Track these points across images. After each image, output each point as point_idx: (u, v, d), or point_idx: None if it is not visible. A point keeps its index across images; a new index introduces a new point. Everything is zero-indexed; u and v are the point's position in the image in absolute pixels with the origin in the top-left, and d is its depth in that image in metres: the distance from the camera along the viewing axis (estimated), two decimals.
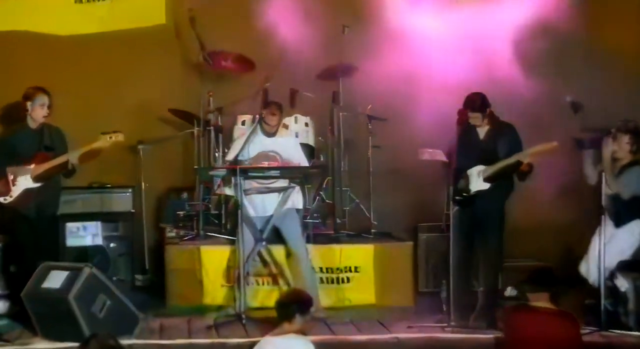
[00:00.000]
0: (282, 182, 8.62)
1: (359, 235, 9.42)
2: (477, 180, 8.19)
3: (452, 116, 8.29)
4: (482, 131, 8.31)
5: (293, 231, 8.68)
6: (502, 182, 8.18)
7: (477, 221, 8.22)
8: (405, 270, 9.10)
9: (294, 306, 6.63)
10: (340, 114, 9.61)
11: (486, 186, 8.14)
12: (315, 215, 9.43)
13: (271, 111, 8.55)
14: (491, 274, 8.30)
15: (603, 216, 8.05)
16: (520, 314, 6.92)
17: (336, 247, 9.07)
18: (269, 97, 9.07)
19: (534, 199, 9.16)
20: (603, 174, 8.04)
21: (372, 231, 9.47)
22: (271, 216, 8.60)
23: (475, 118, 8.20)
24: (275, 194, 8.65)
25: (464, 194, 8.19)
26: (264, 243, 8.67)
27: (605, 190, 8.04)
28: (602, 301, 7.99)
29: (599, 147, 8.01)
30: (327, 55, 9.61)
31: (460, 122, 8.24)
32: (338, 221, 9.53)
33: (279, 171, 8.46)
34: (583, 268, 8.29)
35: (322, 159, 9.56)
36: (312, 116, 9.51)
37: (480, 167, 8.20)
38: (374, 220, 9.52)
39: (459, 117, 8.22)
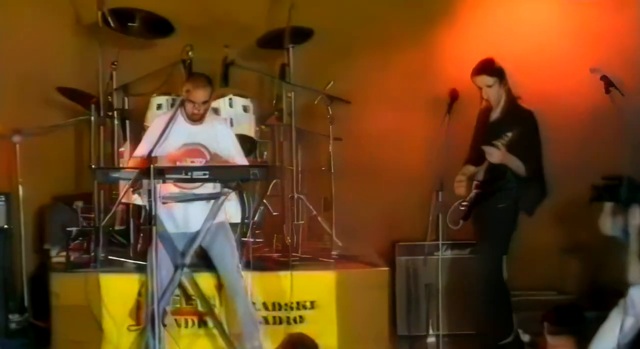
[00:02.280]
0: (212, 188, 7.75)
1: (316, 259, 8.48)
2: (472, 184, 7.66)
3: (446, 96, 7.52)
4: (493, 117, 7.74)
5: (226, 254, 7.77)
6: (500, 187, 7.54)
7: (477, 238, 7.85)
8: (379, 306, 8.13)
9: None
10: (291, 94, 8.70)
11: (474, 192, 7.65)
12: (257, 232, 8.60)
13: (196, 85, 7.72)
14: (490, 311, 7.60)
15: None
16: None
17: (286, 275, 8.08)
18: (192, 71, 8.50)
19: (553, 220, 8.69)
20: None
21: (334, 253, 8.52)
22: (197, 232, 7.67)
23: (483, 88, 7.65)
24: (203, 204, 7.72)
25: (464, 202, 7.61)
26: (186, 270, 7.71)
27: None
28: None
29: (617, 200, 7.41)
30: (273, 16, 8.96)
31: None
32: (289, 239, 8.59)
33: (207, 172, 7.51)
34: None
35: (265, 155, 8.82)
36: (253, 97, 8.63)
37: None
38: (337, 238, 8.59)
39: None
